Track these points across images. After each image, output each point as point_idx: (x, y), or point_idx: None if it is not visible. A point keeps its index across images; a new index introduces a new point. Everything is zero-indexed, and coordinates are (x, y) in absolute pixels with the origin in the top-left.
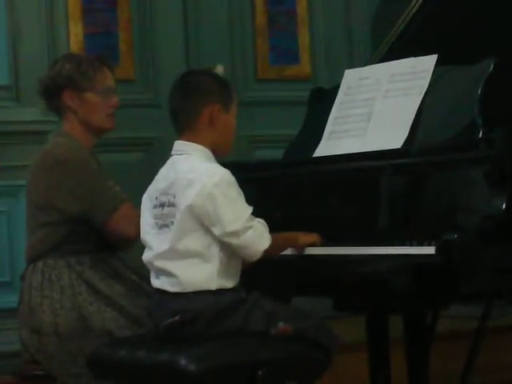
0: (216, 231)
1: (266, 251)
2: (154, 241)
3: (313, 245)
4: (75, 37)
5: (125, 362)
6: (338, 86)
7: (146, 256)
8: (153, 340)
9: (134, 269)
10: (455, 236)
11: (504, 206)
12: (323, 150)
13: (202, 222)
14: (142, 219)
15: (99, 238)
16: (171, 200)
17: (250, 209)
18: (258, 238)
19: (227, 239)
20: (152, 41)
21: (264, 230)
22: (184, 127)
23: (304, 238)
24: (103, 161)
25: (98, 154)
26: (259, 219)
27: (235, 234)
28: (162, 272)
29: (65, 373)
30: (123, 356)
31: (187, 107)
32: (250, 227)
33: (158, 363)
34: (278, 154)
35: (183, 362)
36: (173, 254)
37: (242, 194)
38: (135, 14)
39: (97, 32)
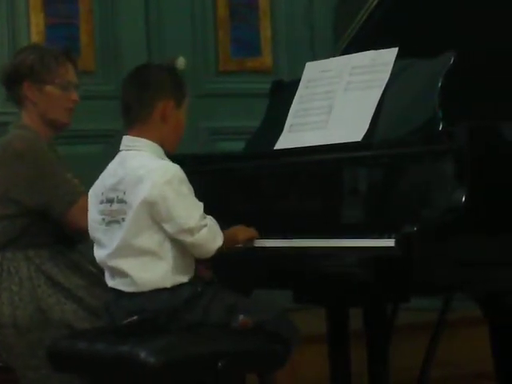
0: (169, 228)
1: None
2: (104, 237)
3: (252, 239)
4: (36, 27)
5: (85, 355)
6: (299, 79)
7: (99, 255)
8: (113, 333)
9: (93, 261)
10: (415, 229)
11: (464, 199)
12: (284, 142)
13: (155, 218)
14: (89, 215)
15: (58, 230)
16: (120, 196)
17: (201, 205)
18: (211, 236)
19: (181, 237)
20: (113, 32)
21: (217, 228)
22: (135, 121)
23: (243, 234)
24: (63, 153)
25: (58, 146)
26: (210, 217)
27: (189, 231)
28: (116, 272)
29: (24, 365)
30: (83, 348)
31: (141, 100)
32: (204, 225)
33: (117, 356)
34: (239, 146)
35: (143, 354)
36: (125, 251)
37: (192, 190)
38: (97, 5)
39: (58, 23)
